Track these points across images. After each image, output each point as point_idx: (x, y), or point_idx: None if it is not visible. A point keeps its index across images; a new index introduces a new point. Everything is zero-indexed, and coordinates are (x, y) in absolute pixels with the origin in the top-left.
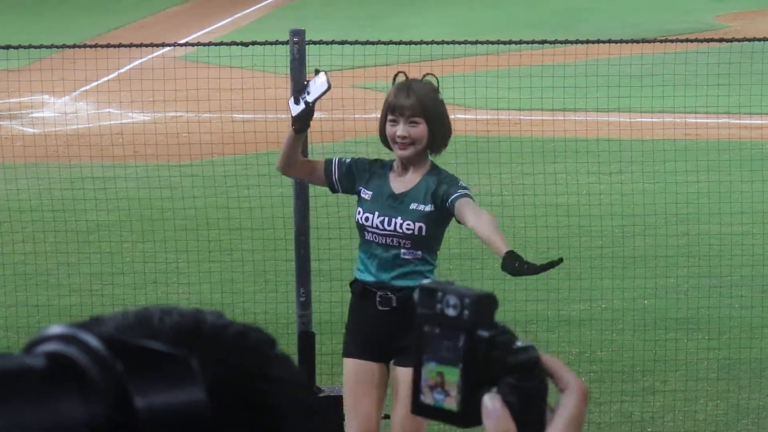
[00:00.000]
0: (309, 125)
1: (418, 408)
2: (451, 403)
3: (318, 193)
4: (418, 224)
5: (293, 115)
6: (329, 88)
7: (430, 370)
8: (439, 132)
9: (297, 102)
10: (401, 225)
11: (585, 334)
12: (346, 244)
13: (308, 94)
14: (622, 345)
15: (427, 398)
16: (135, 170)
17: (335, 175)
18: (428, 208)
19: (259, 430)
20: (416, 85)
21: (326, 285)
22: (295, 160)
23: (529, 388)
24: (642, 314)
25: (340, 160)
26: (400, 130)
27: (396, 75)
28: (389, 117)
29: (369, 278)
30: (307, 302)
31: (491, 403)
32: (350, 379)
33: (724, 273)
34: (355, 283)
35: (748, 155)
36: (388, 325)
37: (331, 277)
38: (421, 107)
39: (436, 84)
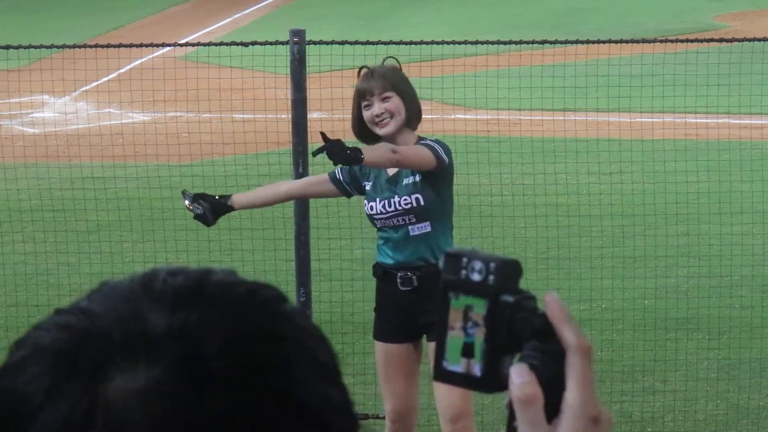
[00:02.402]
0: (210, 217)
1: (441, 374)
2: (475, 369)
3: None
4: (414, 196)
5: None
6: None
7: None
8: (412, 104)
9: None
10: (399, 202)
11: (585, 334)
12: (346, 244)
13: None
14: (622, 345)
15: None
16: (135, 170)
17: (343, 180)
18: (417, 177)
19: (269, 390)
20: (379, 68)
21: (326, 285)
22: (283, 200)
23: (553, 350)
24: (642, 314)
25: (339, 168)
26: (375, 109)
27: (359, 70)
28: (363, 103)
29: (388, 261)
30: (307, 302)
31: (518, 375)
32: (380, 361)
33: (724, 273)
34: (376, 266)
35: (748, 155)
36: (411, 304)
37: (331, 277)
38: (389, 82)
39: (398, 64)
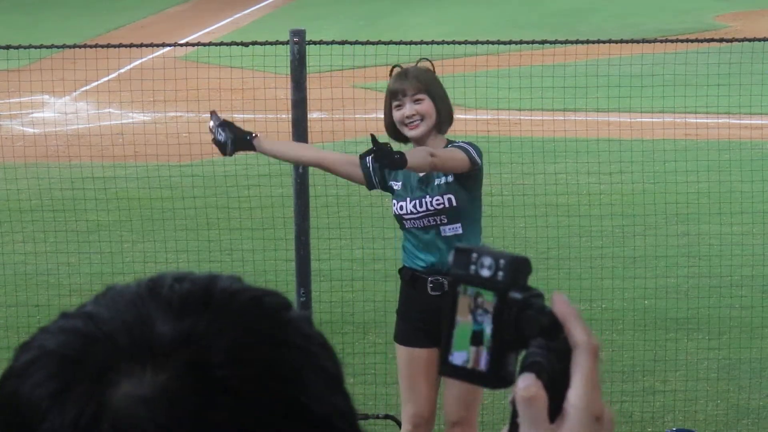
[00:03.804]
0: (231, 147)
1: (447, 369)
2: (480, 364)
3: (318, 193)
4: (446, 196)
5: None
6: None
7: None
8: (444, 108)
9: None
10: (431, 202)
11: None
12: (346, 244)
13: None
14: (622, 345)
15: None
16: (135, 170)
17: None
18: (450, 177)
19: (275, 397)
20: (413, 68)
21: (326, 285)
22: (309, 164)
23: (559, 349)
24: (642, 314)
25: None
26: (407, 110)
27: (392, 68)
28: (394, 104)
29: (419, 264)
30: (307, 302)
31: (523, 379)
32: (403, 365)
33: (724, 273)
34: (404, 270)
35: (748, 155)
36: (440, 310)
37: (331, 277)
38: (422, 84)
39: (431, 66)
